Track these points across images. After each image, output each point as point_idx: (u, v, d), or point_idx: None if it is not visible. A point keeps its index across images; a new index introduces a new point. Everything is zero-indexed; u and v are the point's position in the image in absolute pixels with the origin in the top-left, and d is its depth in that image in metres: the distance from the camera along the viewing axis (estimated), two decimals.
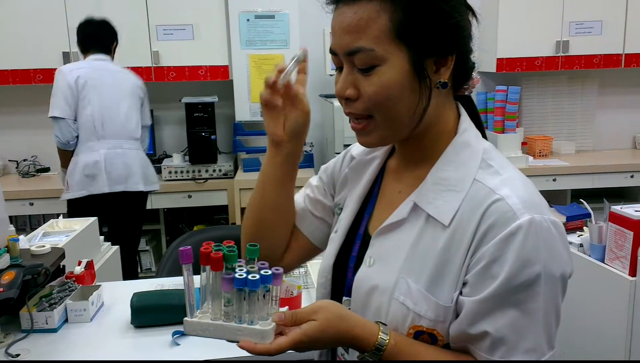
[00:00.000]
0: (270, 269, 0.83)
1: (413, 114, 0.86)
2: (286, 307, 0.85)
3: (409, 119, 0.87)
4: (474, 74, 0.94)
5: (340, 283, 0.98)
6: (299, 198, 1.13)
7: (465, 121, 0.93)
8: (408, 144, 0.94)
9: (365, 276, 0.92)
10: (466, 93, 0.96)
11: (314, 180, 1.15)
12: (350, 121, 0.91)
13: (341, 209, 1.05)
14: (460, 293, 0.84)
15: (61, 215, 2.38)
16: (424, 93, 0.85)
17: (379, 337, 0.83)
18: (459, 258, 0.83)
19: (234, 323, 0.83)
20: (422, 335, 0.86)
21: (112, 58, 3.22)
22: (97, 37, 3.17)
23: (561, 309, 0.84)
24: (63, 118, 3.00)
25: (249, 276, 0.81)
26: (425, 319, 0.85)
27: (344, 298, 0.95)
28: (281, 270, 0.84)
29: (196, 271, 0.87)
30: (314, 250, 1.12)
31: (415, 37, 0.83)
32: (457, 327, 0.84)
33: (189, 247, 0.85)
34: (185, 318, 0.86)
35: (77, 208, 3.07)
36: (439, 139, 0.91)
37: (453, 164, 0.89)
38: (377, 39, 0.82)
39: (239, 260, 0.85)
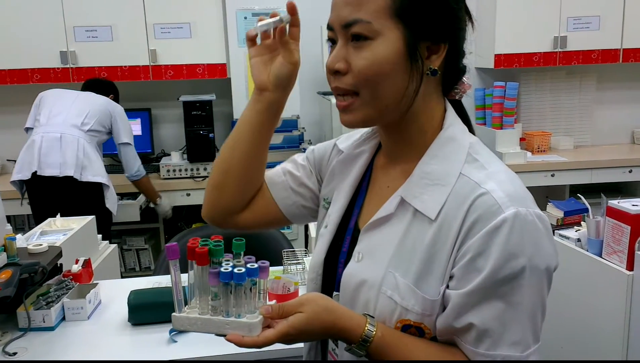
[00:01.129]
0: (256, 263, 0.84)
1: (401, 97, 0.86)
2: (274, 301, 0.86)
3: (395, 102, 0.87)
4: (465, 79, 0.94)
5: (331, 279, 0.98)
6: (277, 168, 1.11)
7: (451, 115, 0.93)
8: (392, 137, 0.94)
9: (353, 271, 0.92)
10: (457, 97, 0.96)
11: (299, 158, 1.13)
12: (335, 100, 0.91)
13: (329, 203, 1.04)
14: (447, 286, 0.84)
15: (58, 214, 2.38)
16: (414, 76, 0.86)
17: (366, 328, 0.84)
18: (445, 252, 0.84)
19: (221, 317, 0.84)
20: (410, 329, 0.86)
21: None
22: (95, 85, 3.37)
23: (547, 302, 0.84)
24: (31, 128, 3.19)
25: (235, 270, 0.81)
26: (413, 313, 0.85)
27: (334, 293, 0.96)
28: (267, 263, 0.84)
29: (185, 268, 0.87)
30: (279, 220, 1.10)
31: (413, 17, 0.84)
32: (443, 320, 0.84)
33: (175, 243, 0.85)
34: (173, 314, 0.86)
35: (29, 193, 3.10)
36: (425, 132, 0.91)
37: (438, 158, 0.89)
38: (375, 13, 0.83)
39: (225, 254, 0.85)
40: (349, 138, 1.07)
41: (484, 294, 0.80)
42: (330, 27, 0.89)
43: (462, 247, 0.82)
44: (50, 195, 3.02)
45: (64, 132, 3.04)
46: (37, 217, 3.02)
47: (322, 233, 1.03)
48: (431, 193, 0.86)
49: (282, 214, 1.09)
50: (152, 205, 3.59)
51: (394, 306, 0.86)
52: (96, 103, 3.21)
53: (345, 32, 0.86)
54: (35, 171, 2.98)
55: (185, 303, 0.88)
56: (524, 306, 0.81)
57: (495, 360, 0.81)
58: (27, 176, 3.01)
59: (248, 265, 0.83)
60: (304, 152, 1.15)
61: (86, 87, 3.36)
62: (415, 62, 0.85)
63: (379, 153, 1.01)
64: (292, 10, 0.96)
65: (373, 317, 0.86)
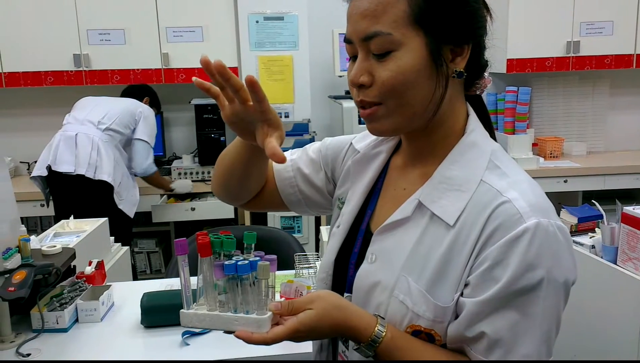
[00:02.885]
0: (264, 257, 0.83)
1: (428, 103, 0.85)
2: (283, 298, 0.85)
3: (423, 108, 0.85)
4: (486, 74, 0.93)
5: (341, 279, 0.98)
6: (287, 160, 1.11)
7: (473, 120, 0.92)
8: (417, 140, 0.93)
9: (366, 273, 0.91)
10: (477, 93, 0.95)
11: (310, 149, 1.14)
12: (359, 110, 0.89)
13: (343, 203, 1.04)
14: (461, 294, 0.83)
15: (72, 216, 2.39)
16: (440, 81, 0.84)
17: (376, 329, 0.83)
18: (462, 259, 0.83)
19: (229, 313, 0.83)
20: (420, 335, 0.85)
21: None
22: (130, 91, 3.57)
23: (562, 316, 0.83)
24: None
25: (239, 262, 0.81)
26: (424, 319, 0.84)
27: (345, 294, 0.95)
28: (274, 257, 0.84)
29: (196, 270, 0.87)
30: (283, 208, 1.15)
31: (434, 22, 0.82)
32: (455, 327, 0.83)
33: (185, 239, 0.85)
34: (181, 310, 0.85)
35: (51, 192, 3.17)
36: (448, 137, 0.90)
37: (460, 164, 0.88)
38: (394, 23, 0.82)
39: (236, 250, 0.85)
40: (366, 137, 1.06)
41: (498, 304, 0.79)
42: (348, 40, 0.87)
43: (480, 255, 0.81)
44: (69, 193, 3.08)
45: (80, 131, 3.10)
46: (59, 216, 3.05)
47: (334, 232, 1.03)
48: (450, 199, 0.85)
49: (286, 206, 1.14)
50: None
51: (405, 311, 0.85)
52: (119, 104, 3.27)
53: (366, 45, 0.84)
54: (50, 166, 3.04)
55: (195, 302, 0.88)
56: (538, 319, 0.79)
57: None
58: (44, 172, 3.07)
59: (251, 258, 0.82)
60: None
61: (123, 94, 3.50)
62: (440, 66, 0.84)
63: (396, 153, 1.00)
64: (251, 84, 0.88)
65: (384, 318, 0.86)
